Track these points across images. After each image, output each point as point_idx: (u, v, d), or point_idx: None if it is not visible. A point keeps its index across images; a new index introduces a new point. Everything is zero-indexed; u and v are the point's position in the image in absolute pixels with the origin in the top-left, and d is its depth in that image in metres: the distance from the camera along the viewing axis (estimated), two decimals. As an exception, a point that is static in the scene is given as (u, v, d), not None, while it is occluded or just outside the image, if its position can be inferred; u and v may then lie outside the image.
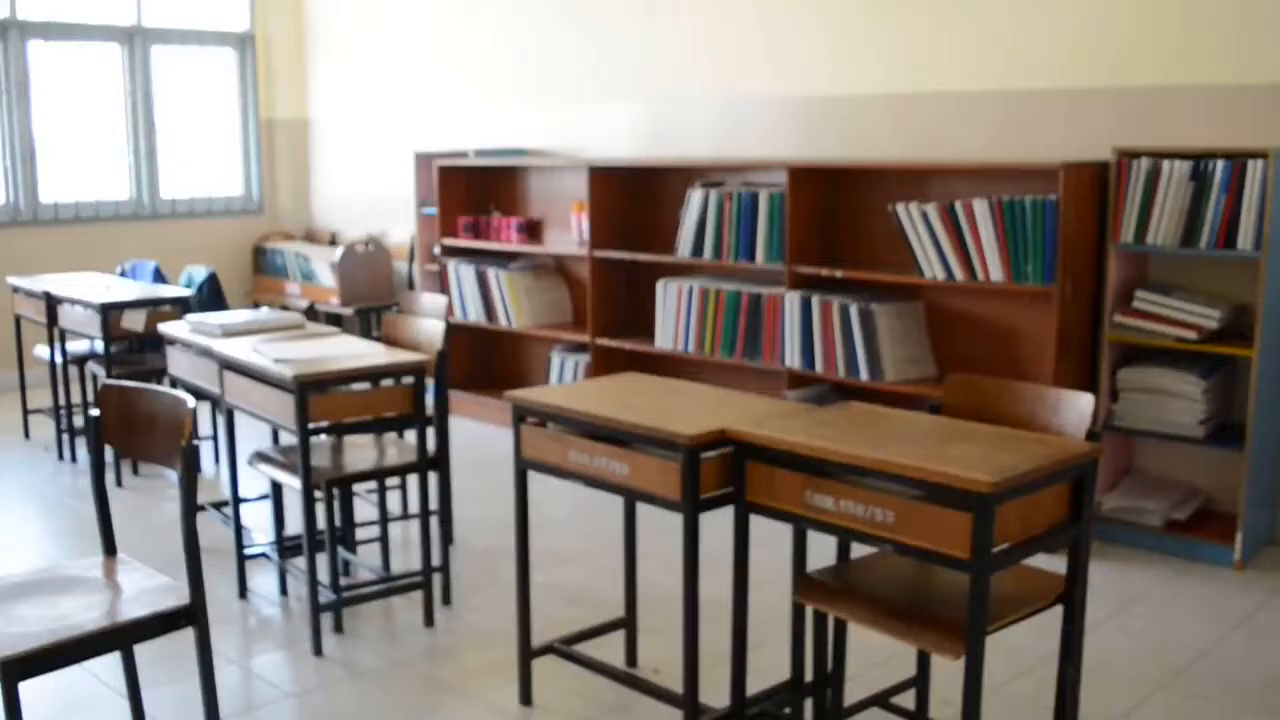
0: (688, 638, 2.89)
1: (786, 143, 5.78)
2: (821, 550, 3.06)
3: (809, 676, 3.13)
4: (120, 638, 2.65)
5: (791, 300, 5.22)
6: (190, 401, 2.70)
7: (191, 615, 2.70)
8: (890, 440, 2.64)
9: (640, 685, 3.36)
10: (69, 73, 8.06)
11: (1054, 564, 2.86)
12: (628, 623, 3.62)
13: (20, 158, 7.85)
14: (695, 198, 5.59)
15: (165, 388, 2.91)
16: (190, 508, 2.65)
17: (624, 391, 3.22)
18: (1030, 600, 2.68)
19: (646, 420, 2.86)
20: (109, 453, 5.34)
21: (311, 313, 7.77)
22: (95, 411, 2.96)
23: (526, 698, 3.39)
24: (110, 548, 3.05)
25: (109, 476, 5.72)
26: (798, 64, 5.71)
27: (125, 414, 2.93)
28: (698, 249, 5.60)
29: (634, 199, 6.18)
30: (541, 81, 6.94)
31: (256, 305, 8.27)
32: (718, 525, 3.09)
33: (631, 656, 3.63)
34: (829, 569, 2.95)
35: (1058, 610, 2.74)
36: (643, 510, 3.54)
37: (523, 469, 3.23)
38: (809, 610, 3.03)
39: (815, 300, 5.15)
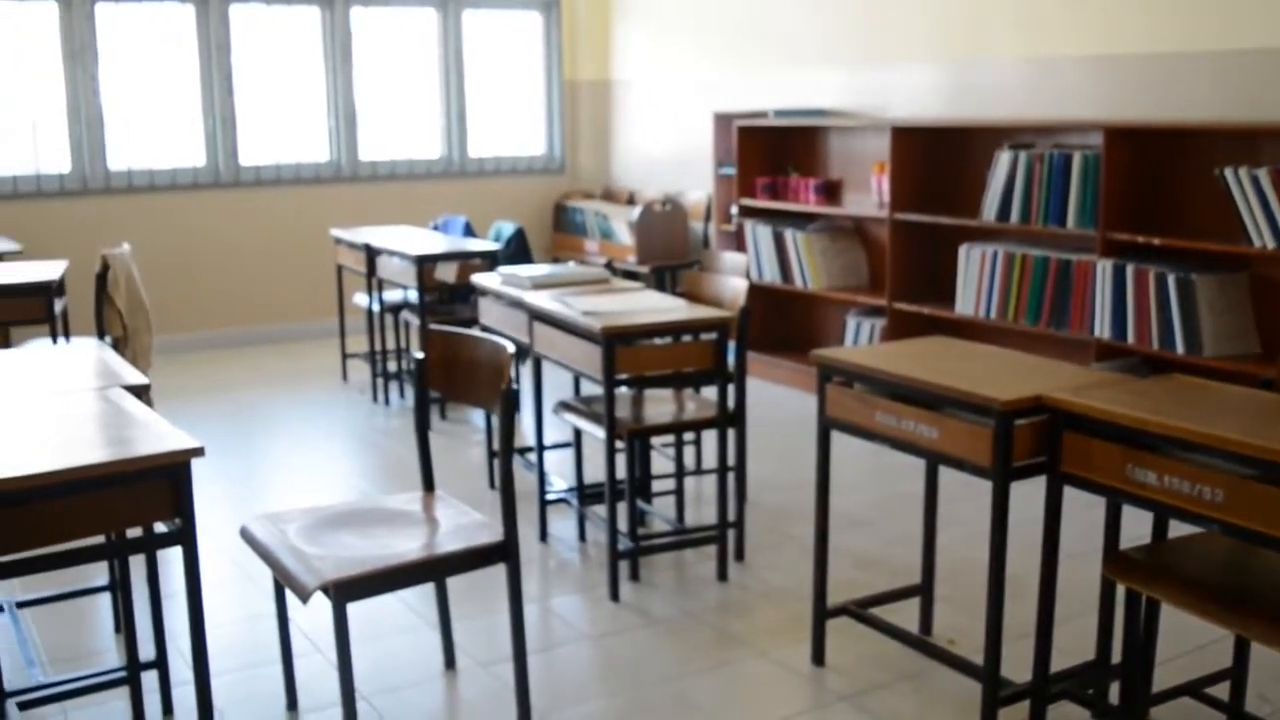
0: (991, 608, 2.82)
1: (1100, 103, 5.51)
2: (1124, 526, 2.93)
3: (1115, 658, 3.01)
4: (438, 569, 2.79)
5: (1104, 268, 4.99)
6: (510, 348, 2.80)
7: (504, 552, 2.81)
8: (1218, 415, 2.49)
9: (935, 653, 3.30)
10: (387, 37, 8.47)
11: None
12: (924, 589, 3.56)
13: (343, 118, 8.32)
14: (1003, 159, 5.41)
15: (489, 335, 3.03)
16: (508, 448, 2.75)
17: (932, 354, 3.15)
18: (1373, 594, 2.49)
19: (958, 384, 2.79)
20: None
21: (609, 270, 7.94)
22: (420, 355, 3.11)
23: (819, 658, 3.39)
24: (429, 484, 3.20)
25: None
26: (1112, 20, 5.43)
27: (448, 358, 3.07)
28: (1004, 213, 5.43)
29: (937, 160, 6.03)
30: (842, 41, 6.85)
31: (556, 261, 8.51)
32: (1017, 495, 2.99)
33: (926, 624, 3.57)
34: (1143, 547, 2.82)
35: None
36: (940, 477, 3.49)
37: (826, 428, 3.21)
38: (1119, 588, 2.91)
39: (1130, 269, 4.90)
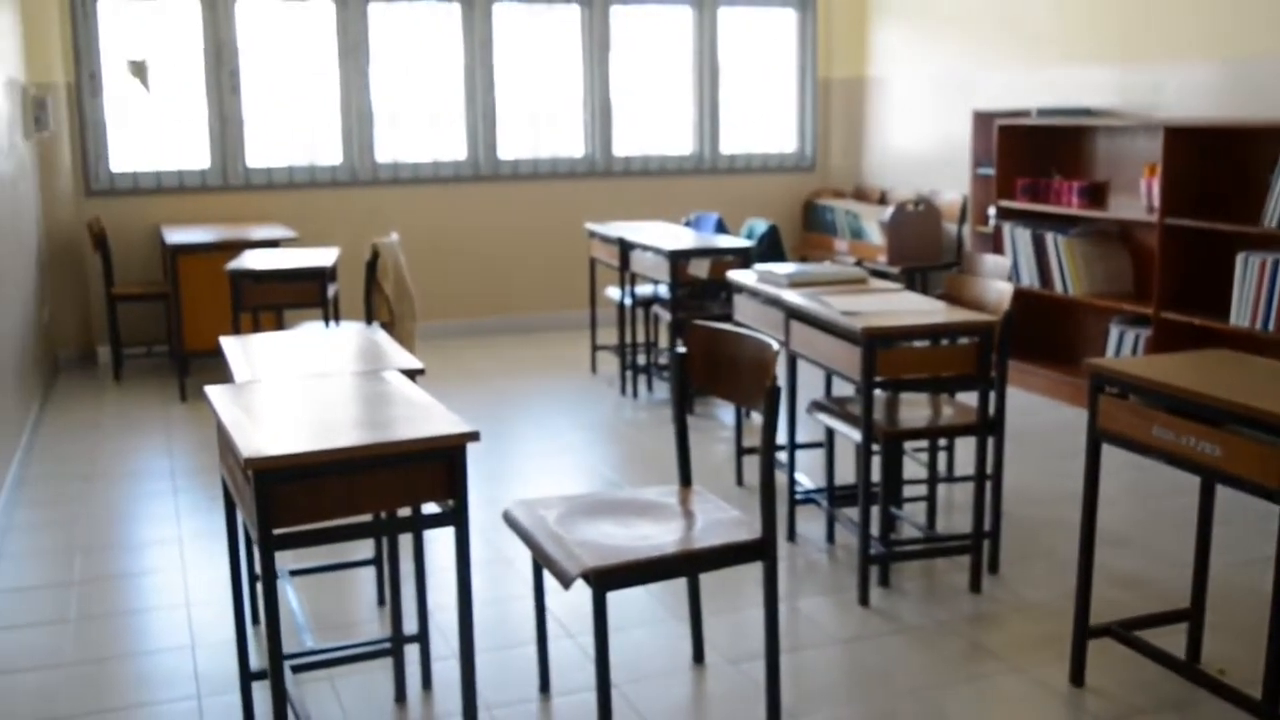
0: (1273, 638, 2.66)
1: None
2: None
3: None
4: (696, 563, 2.80)
5: (1401, 281, 4.66)
6: (774, 345, 2.79)
7: (761, 550, 2.79)
8: None
9: (1204, 682, 3.13)
10: (644, 35, 8.58)
11: None
12: (1193, 614, 3.38)
13: (599, 114, 8.47)
14: (1290, 164, 5.11)
15: (753, 332, 3.02)
16: (770, 446, 2.74)
17: (1213, 367, 2.99)
18: None
19: (1246, 399, 2.64)
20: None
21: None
22: (682, 349, 3.13)
23: (1078, 678, 3.26)
24: (686, 478, 3.22)
25: (665, 414, 6.07)
26: None
27: (709, 353, 3.08)
28: (1288, 220, 5.12)
29: (1213, 163, 5.72)
30: (1110, 37, 6.57)
31: (804, 260, 8.46)
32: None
33: (1194, 651, 3.39)
34: None
35: None
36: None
37: (1096, 441, 3.08)
38: None
39: None
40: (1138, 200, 6.15)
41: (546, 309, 8.42)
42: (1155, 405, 2.88)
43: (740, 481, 4.94)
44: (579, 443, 5.66)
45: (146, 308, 7.49)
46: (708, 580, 3.77)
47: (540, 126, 8.44)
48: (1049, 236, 6.35)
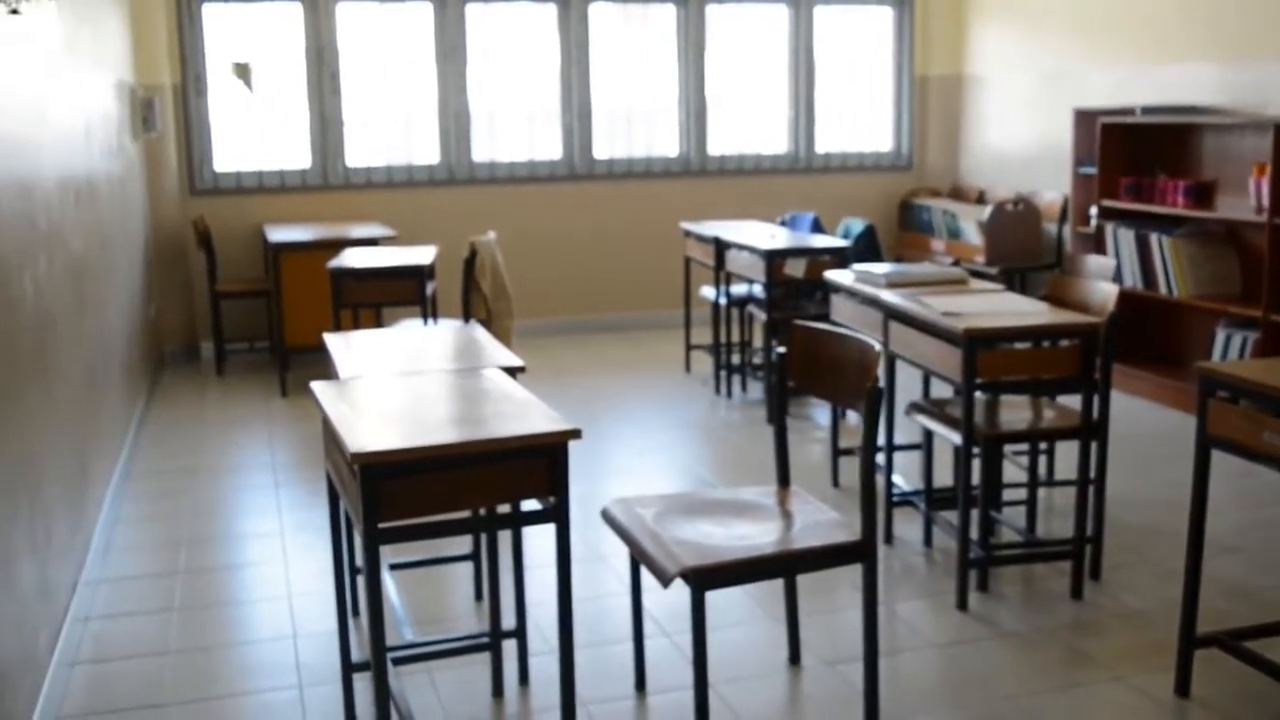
0: (1393, 652, 2.59)
1: None
2: None
3: None
4: (795, 564, 2.79)
5: None
6: (876, 346, 2.77)
7: (861, 552, 2.77)
8: None
9: (1317, 695, 3.06)
10: (739, 33, 8.56)
11: None
12: (1304, 626, 3.30)
13: (693, 113, 8.47)
14: None
15: (852, 332, 3.00)
16: (870, 447, 2.72)
17: (1330, 372, 2.91)
18: None
19: (1365, 405, 2.57)
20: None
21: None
22: (782, 349, 3.12)
23: (1183, 689, 3.19)
24: (784, 478, 3.21)
25: (759, 414, 6.05)
26: None
27: (810, 354, 3.06)
28: (1406, 221, 4.96)
29: (1326, 163, 5.57)
30: (1217, 32, 6.42)
31: (899, 260, 8.38)
32: None
33: (1304, 663, 3.31)
34: None
35: None
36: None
37: (1205, 446, 3.02)
38: None
39: None
40: (1246, 200, 6.00)
41: (641, 308, 8.44)
42: (1266, 410, 2.82)
43: (836, 483, 4.91)
44: (673, 441, 5.66)
45: (249, 304, 7.63)
46: (802, 581, 3.75)
47: (635, 126, 8.46)
48: (1153, 237, 6.22)
